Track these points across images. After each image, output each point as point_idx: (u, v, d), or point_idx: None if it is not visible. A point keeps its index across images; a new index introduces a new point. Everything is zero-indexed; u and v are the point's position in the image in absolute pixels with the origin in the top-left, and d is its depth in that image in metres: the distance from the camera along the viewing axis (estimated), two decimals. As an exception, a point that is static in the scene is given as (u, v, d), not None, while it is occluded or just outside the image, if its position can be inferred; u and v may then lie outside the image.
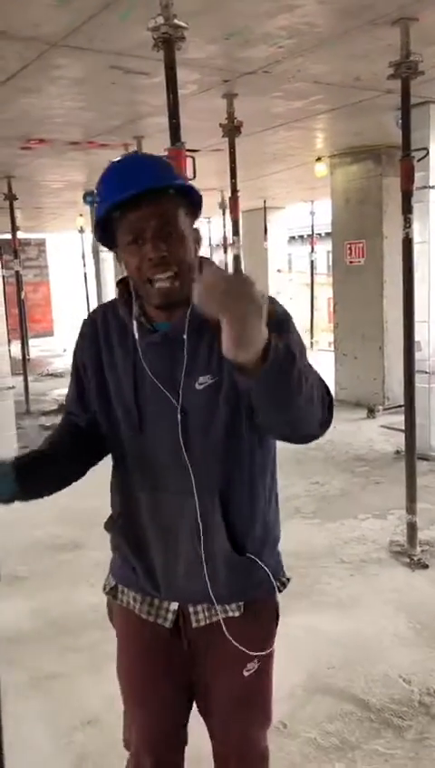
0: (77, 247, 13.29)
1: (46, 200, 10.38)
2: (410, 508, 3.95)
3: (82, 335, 1.57)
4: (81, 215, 11.61)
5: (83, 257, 12.84)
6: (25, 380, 8.50)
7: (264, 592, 1.55)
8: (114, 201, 1.34)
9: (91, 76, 4.30)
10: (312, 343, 12.67)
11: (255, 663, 1.55)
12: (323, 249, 16.22)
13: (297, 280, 14.81)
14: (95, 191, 1.45)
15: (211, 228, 13.28)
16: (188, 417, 1.43)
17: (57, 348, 14.62)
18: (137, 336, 1.45)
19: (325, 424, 1.31)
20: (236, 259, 5.28)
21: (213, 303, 1.06)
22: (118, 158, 1.43)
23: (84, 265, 12.88)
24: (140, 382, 1.46)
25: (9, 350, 6.71)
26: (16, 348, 8.48)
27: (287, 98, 5.08)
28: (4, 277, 7.94)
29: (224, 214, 11.03)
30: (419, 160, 3.88)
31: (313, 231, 12.68)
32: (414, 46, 3.81)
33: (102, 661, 2.63)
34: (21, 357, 8.55)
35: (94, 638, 3.06)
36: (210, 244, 15.51)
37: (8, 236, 8.56)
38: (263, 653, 1.57)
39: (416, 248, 4.06)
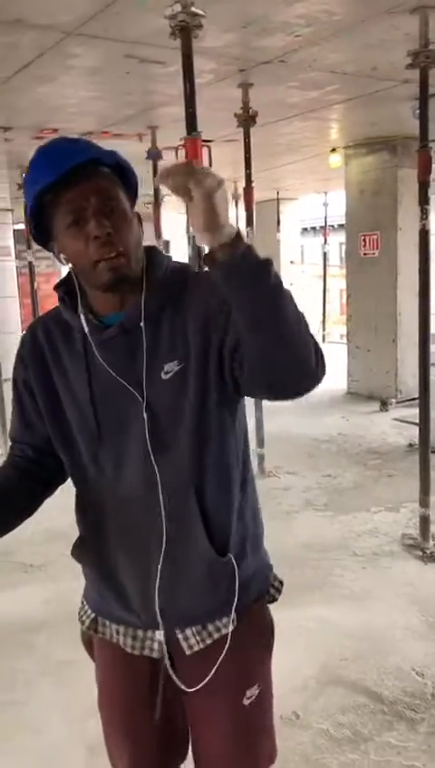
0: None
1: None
2: (424, 501, 3.93)
3: (20, 356, 1.42)
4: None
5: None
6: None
7: (255, 596, 1.41)
8: (47, 181, 1.21)
9: (106, 65, 4.28)
10: (323, 336, 12.64)
11: (255, 688, 1.40)
12: (336, 241, 16.13)
13: (309, 272, 14.75)
14: (22, 182, 1.35)
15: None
16: (155, 414, 1.29)
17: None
18: (87, 330, 1.31)
19: (320, 370, 1.19)
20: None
21: (179, 178, 1.03)
22: (42, 145, 1.31)
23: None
24: (95, 385, 1.32)
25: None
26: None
27: (303, 88, 5.04)
28: (17, 267, 7.94)
29: (236, 205, 11.00)
30: (438, 151, 3.84)
31: (326, 222, 12.60)
32: (433, 35, 3.76)
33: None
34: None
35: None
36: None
37: (22, 227, 8.57)
38: (263, 673, 1.43)
39: (433, 240, 4.02)
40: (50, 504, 1.50)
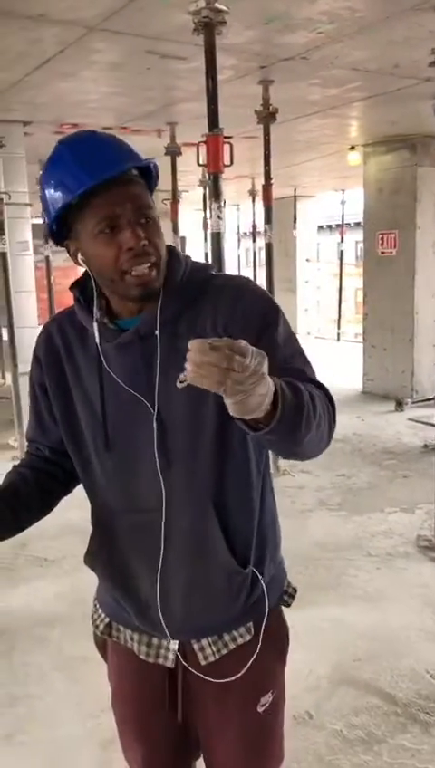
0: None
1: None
2: (440, 503, 3.91)
3: (36, 356, 1.39)
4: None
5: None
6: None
7: (272, 605, 1.38)
8: (84, 186, 1.15)
9: (128, 61, 4.29)
10: (338, 334, 12.61)
11: (269, 695, 1.38)
12: (351, 239, 16.07)
13: (325, 270, 14.70)
14: (42, 176, 1.24)
15: (240, 216, 13.21)
16: (166, 424, 1.25)
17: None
18: (97, 338, 1.27)
19: (329, 441, 1.22)
20: (268, 247, 5.25)
21: (205, 381, 0.96)
22: (67, 138, 1.23)
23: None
24: (107, 392, 1.28)
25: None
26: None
27: (324, 85, 5.02)
28: (34, 262, 7.98)
29: (254, 201, 10.99)
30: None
31: (343, 220, 12.55)
32: (458, 33, 3.74)
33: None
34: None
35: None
36: (238, 232, 15.46)
37: (39, 221, 8.60)
38: (277, 680, 1.41)
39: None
40: (65, 499, 1.49)
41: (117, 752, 2.38)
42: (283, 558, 1.46)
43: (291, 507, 4.64)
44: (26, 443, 1.49)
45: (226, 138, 3.20)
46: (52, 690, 2.78)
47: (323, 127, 6.58)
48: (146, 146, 1.38)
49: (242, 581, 1.31)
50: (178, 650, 1.35)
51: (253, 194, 10.47)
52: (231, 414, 1.01)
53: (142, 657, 1.38)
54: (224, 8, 2.89)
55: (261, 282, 3.01)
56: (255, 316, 1.24)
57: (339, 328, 12.53)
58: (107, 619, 1.45)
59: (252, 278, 1.27)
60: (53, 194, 1.21)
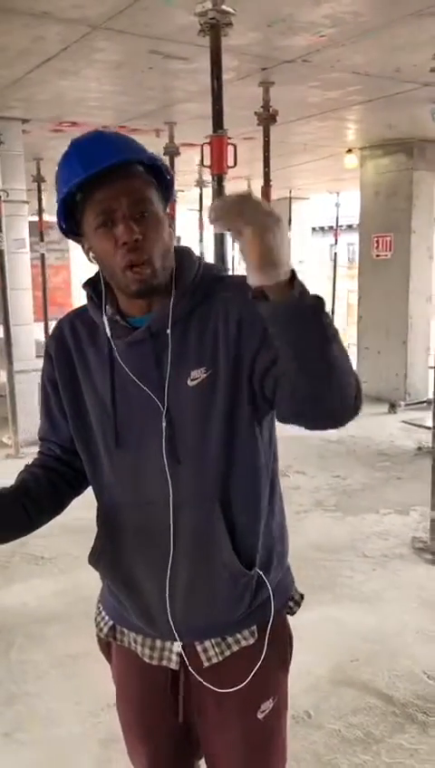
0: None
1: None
2: (435, 505, 3.93)
3: (47, 354, 1.40)
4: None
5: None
6: (46, 363, 8.52)
7: (276, 609, 1.36)
8: (77, 180, 1.17)
9: (130, 60, 4.29)
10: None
11: (270, 702, 1.37)
12: (342, 241, 16.11)
13: (318, 272, 14.72)
14: (56, 175, 1.27)
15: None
16: (175, 421, 1.25)
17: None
18: (109, 334, 1.28)
19: (359, 403, 1.16)
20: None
21: (230, 217, 0.95)
22: (77, 137, 1.25)
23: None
24: (118, 389, 1.29)
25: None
26: (39, 331, 8.51)
27: (324, 88, 5.04)
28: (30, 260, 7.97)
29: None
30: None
31: (337, 223, 12.58)
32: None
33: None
34: (44, 340, 8.59)
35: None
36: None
37: (35, 219, 8.57)
38: (278, 686, 1.40)
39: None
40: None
41: (117, 750, 2.40)
42: (290, 566, 1.46)
43: (287, 508, 4.56)
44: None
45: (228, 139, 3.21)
46: (50, 688, 2.78)
47: (322, 129, 6.60)
48: (144, 145, 1.38)
49: (247, 583, 1.31)
50: (182, 652, 1.34)
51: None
52: (249, 281, 0.99)
53: (146, 659, 1.37)
54: (230, 10, 2.90)
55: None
56: None
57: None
58: (111, 622, 1.45)
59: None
60: (58, 189, 1.23)
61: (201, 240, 9.56)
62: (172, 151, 6.47)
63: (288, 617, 1.44)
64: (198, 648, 1.33)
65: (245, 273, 1.03)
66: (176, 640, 1.34)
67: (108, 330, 1.28)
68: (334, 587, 3.57)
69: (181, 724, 1.42)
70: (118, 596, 1.40)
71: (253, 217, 0.95)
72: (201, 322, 1.26)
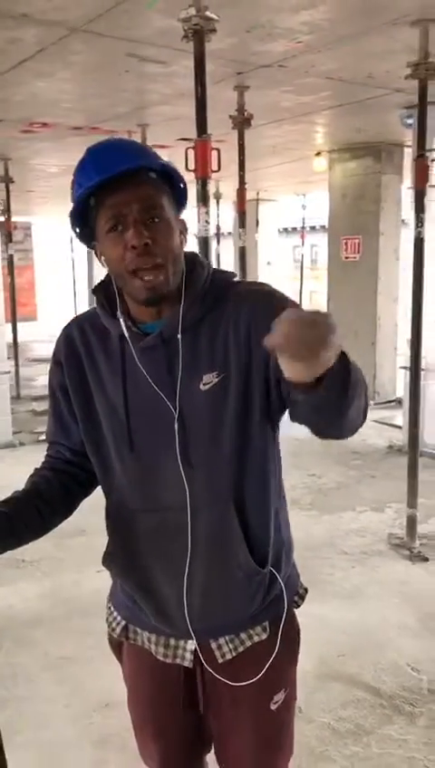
0: (64, 232, 13.20)
1: (39, 184, 10.29)
2: (412, 502, 4.03)
3: (56, 359, 1.41)
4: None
5: (72, 242, 12.76)
6: (16, 365, 8.45)
7: (287, 604, 1.40)
8: (90, 185, 1.20)
9: (106, 63, 4.28)
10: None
11: (282, 693, 1.42)
12: (308, 242, 16.27)
13: (281, 273, 14.84)
14: (72, 182, 1.30)
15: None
16: (188, 426, 1.28)
17: (41, 333, 14.55)
18: (128, 337, 1.30)
19: (364, 421, 1.24)
20: (242, 251, 5.31)
21: (289, 350, 0.96)
22: (93, 144, 1.29)
23: (72, 250, 12.78)
24: (130, 393, 1.31)
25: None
26: (6, 332, 8.42)
27: (297, 92, 5.10)
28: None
29: (218, 204, 11.03)
30: (433, 160, 3.94)
31: (304, 224, 12.73)
32: (432, 47, 3.86)
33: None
34: (13, 341, 8.49)
35: (103, 622, 3.10)
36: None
37: (1, 219, 8.49)
38: (289, 678, 1.45)
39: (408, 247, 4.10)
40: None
41: (111, 751, 2.41)
42: (295, 563, 1.50)
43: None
44: (48, 446, 1.49)
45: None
46: (40, 691, 2.78)
47: (292, 133, 6.67)
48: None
49: (260, 581, 1.34)
50: (197, 649, 1.37)
51: (217, 197, 10.52)
52: (289, 377, 1.00)
53: (160, 658, 1.39)
54: (214, 16, 2.92)
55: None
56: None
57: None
58: (123, 622, 1.46)
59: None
60: (73, 193, 1.26)
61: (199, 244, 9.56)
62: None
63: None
64: (213, 646, 1.36)
65: (257, 281, 1.06)
66: (191, 639, 1.36)
67: (126, 333, 1.30)
68: (316, 584, 3.61)
69: (194, 721, 1.45)
70: (132, 596, 1.41)
71: (308, 354, 0.95)
72: (212, 328, 1.29)
